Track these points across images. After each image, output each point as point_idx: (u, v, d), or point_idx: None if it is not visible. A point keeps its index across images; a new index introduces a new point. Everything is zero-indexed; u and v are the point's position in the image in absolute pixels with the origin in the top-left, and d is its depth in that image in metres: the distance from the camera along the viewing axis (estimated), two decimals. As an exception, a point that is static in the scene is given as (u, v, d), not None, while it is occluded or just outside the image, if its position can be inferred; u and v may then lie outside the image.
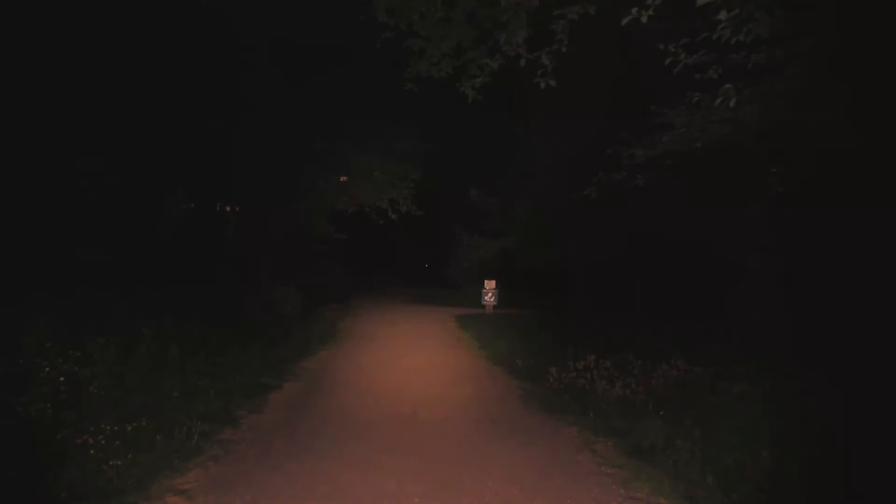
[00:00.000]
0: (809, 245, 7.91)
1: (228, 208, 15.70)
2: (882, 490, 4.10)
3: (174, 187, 12.52)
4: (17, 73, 8.61)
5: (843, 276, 7.13)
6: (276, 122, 13.66)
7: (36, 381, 5.40)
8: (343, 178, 16.07)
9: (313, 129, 14.03)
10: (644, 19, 4.70)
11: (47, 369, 5.56)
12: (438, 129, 17.85)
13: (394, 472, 5.10)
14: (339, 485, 4.78)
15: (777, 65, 5.94)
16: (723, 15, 4.68)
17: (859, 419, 4.95)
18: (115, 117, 10.38)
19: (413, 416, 6.96)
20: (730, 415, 5.85)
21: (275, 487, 4.69)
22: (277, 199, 14.65)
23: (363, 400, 7.69)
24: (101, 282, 9.22)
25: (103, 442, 4.93)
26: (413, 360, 10.81)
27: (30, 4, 8.78)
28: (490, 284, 20.53)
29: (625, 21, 4.80)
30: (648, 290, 14.94)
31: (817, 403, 5.52)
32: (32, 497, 4.14)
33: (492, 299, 20.32)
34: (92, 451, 4.75)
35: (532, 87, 5.30)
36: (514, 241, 23.50)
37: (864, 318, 6.41)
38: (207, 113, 12.22)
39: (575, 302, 17.85)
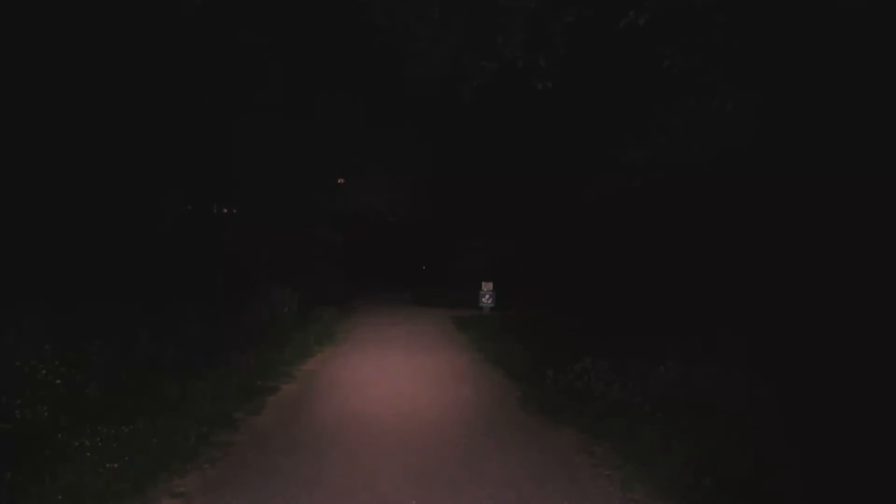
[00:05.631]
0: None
1: (226, 210, 15.68)
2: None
3: (171, 188, 12.50)
4: (13, 73, 8.59)
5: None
6: (275, 124, 13.67)
7: (33, 384, 5.39)
8: (341, 180, 16.10)
9: (311, 131, 14.05)
10: (641, 22, 4.72)
11: (44, 372, 5.55)
12: (436, 130, 17.90)
13: (391, 474, 5.10)
14: (335, 487, 4.78)
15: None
16: (720, 18, 4.71)
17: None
18: (112, 116, 10.36)
19: (410, 418, 6.95)
20: (728, 416, 5.85)
21: (272, 489, 4.68)
22: (275, 200, 14.66)
23: (360, 402, 7.68)
24: (98, 283, 9.20)
25: (100, 444, 4.92)
26: (411, 362, 10.80)
27: (30, 3, 8.76)
28: (488, 286, 20.51)
29: (622, 23, 4.82)
30: (647, 291, 14.93)
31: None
32: (29, 500, 4.13)
33: (489, 301, 20.31)
34: (89, 454, 4.75)
35: (529, 88, 5.32)
36: (512, 243, 23.51)
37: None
38: (205, 114, 12.22)
39: (573, 303, 17.84)
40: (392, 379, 9.29)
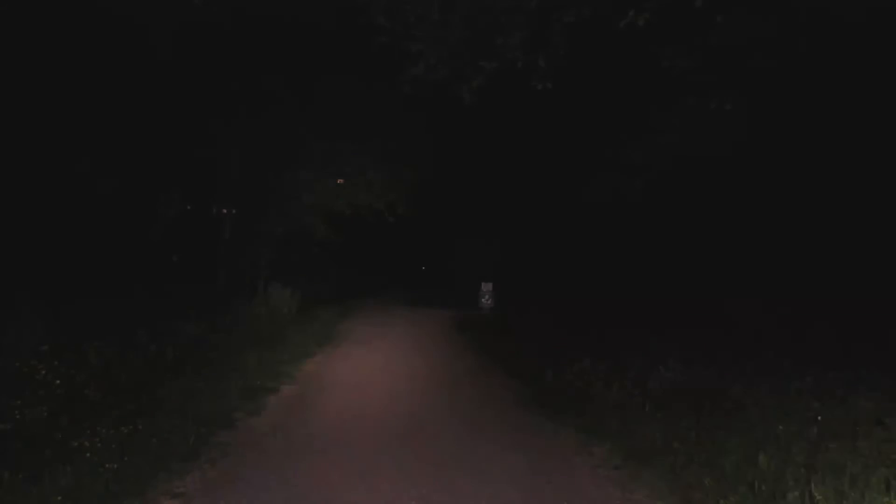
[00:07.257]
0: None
1: (225, 210, 15.66)
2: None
3: (170, 188, 12.50)
4: (11, 74, 8.58)
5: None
6: (273, 124, 13.66)
7: (32, 384, 5.38)
8: (339, 181, 16.06)
9: (309, 131, 14.03)
10: (640, 22, 4.72)
11: (43, 372, 5.55)
12: (435, 131, 17.87)
13: (390, 474, 5.09)
14: (335, 487, 4.77)
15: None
16: (720, 18, 4.71)
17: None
18: (110, 117, 10.35)
19: (410, 418, 6.95)
20: (728, 416, 5.85)
21: (271, 490, 4.68)
22: (274, 200, 14.64)
23: (360, 402, 7.68)
24: (98, 283, 9.20)
25: (99, 445, 4.91)
26: (410, 362, 10.80)
27: (28, 4, 8.75)
28: (487, 286, 20.54)
29: (622, 24, 4.82)
30: (647, 290, 14.95)
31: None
32: (28, 501, 4.12)
33: (489, 301, 20.33)
34: (88, 455, 4.74)
35: (529, 88, 5.32)
36: (511, 243, 23.56)
37: None
38: (203, 114, 12.20)
39: (573, 303, 17.85)
40: (391, 379, 9.29)
